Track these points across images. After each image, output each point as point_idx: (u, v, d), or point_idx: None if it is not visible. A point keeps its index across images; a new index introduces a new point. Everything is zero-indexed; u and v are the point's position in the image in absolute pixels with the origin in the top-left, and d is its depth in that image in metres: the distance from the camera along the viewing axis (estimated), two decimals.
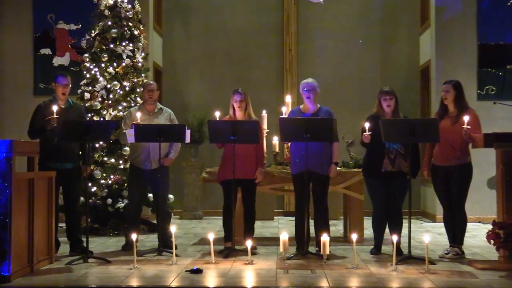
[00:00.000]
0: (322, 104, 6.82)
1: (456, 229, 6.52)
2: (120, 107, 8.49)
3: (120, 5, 8.71)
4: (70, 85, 6.84)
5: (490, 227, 5.93)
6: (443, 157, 6.49)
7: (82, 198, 7.47)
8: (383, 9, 11.14)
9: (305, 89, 6.67)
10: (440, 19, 9.95)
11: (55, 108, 6.41)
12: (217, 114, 7.05)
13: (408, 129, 6.08)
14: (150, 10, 10.17)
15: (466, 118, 6.14)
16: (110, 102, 8.52)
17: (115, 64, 8.63)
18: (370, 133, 6.35)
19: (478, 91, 9.82)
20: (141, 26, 9.04)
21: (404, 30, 11.14)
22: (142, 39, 8.98)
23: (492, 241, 5.80)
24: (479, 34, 9.88)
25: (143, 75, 8.87)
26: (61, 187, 6.76)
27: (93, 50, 8.71)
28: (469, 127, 6.11)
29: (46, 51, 10.22)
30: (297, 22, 11.06)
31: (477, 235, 8.08)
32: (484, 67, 9.87)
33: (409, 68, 11.05)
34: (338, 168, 6.91)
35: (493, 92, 9.82)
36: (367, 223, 7.22)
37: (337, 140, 6.67)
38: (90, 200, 8.13)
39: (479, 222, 9.38)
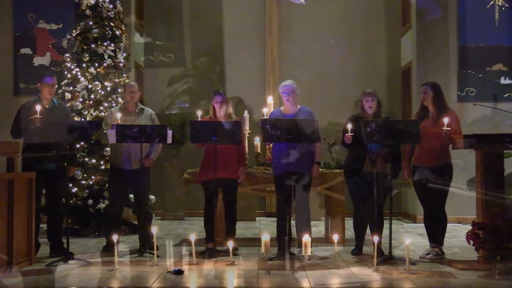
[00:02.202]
0: (304, 105, 6.84)
1: (436, 229, 6.57)
2: (101, 108, 8.44)
3: (102, 4, 8.66)
4: (56, 85, 6.80)
5: (469, 227, 5.98)
6: (423, 158, 6.53)
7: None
8: (364, 11, 11.16)
9: (284, 92, 6.68)
10: (421, 21, 10.01)
11: (38, 107, 6.36)
12: (199, 113, 7.03)
13: (388, 130, 6.11)
14: (132, 10, 10.12)
15: (446, 120, 6.19)
16: (91, 102, 8.47)
17: (96, 64, 8.58)
18: (352, 134, 6.37)
19: (458, 92, 9.89)
20: (122, 26, 8.99)
21: (386, 31, 11.19)
22: (124, 39, 8.93)
23: (471, 242, 5.84)
24: (460, 36, 9.94)
25: (124, 75, 8.82)
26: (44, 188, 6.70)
27: (74, 50, 8.65)
28: (448, 128, 6.16)
29: (27, 50, 10.12)
30: (279, 23, 11.06)
31: (457, 236, 8.13)
32: (464, 69, 9.94)
33: (390, 69, 11.10)
34: (319, 168, 6.92)
35: (473, 94, 9.88)
36: (349, 223, 7.25)
37: (319, 140, 6.68)
38: (71, 201, 8.08)
39: (459, 222, 9.44)
